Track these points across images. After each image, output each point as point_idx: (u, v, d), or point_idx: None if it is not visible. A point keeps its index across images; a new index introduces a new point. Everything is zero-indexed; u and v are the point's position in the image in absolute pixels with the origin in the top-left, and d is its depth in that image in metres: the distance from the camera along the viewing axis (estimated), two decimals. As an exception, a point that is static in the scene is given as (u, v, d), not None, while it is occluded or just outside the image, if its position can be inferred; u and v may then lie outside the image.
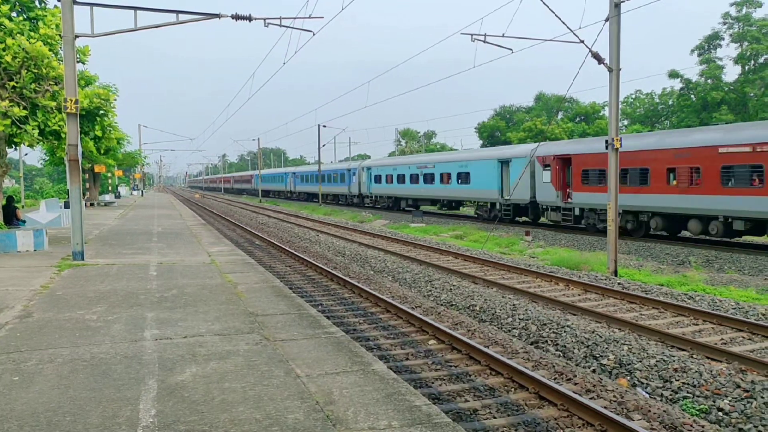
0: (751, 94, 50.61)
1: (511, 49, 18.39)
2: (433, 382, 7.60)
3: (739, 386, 7.32)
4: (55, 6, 17.58)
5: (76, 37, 13.31)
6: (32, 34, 15.84)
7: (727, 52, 65.20)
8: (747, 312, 11.04)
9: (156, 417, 4.57)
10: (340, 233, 27.31)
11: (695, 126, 45.44)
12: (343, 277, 14.56)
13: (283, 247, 21.24)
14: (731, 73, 62.47)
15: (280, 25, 15.77)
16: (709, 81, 52.74)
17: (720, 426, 6.56)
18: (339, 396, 5.03)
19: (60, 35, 14.41)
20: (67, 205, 22.05)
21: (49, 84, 15.52)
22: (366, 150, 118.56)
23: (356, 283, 13.72)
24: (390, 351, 8.94)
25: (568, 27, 15.07)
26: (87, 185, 41.83)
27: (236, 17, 14.73)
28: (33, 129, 15.62)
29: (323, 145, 59.48)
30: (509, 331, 10.52)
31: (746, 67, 50.90)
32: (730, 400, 7.03)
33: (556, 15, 14.95)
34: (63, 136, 15.77)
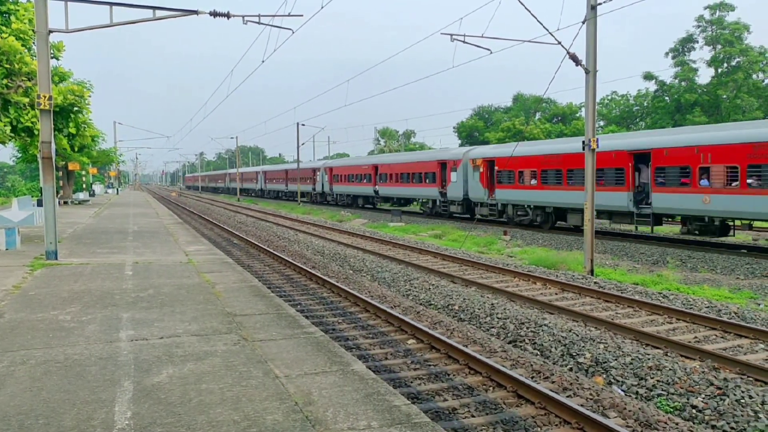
0: (724, 96, 51.64)
1: (489, 50, 18.52)
2: (412, 382, 7.61)
3: (712, 384, 7.46)
4: (29, 0, 17.26)
5: (50, 32, 13.05)
6: (4, 28, 15.54)
7: (701, 54, 66.46)
8: (720, 311, 11.25)
9: (132, 419, 4.50)
10: (319, 232, 27.22)
11: (669, 127, 46.20)
12: (322, 277, 14.51)
13: (262, 246, 21.11)
14: (704, 75, 63.66)
15: (259, 23, 15.67)
16: (683, 83, 53.71)
17: (693, 423, 6.67)
18: (318, 396, 5.01)
19: (33, 30, 14.14)
20: (40, 204, 21.64)
21: (22, 80, 15.23)
22: (345, 149, 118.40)
23: (335, 283, 13.68)
24: (369, 351, 8.93)
25: (546, 29, 15.20)
26: (61, 183, 41.09)
27: (214, 14, 14.58)
28: (5, 125, 15.31)
29: (302, 144, 59.29)
30: (488, 330, 10.58)
31: (719, 70, 51.90)
32: (703, 398, 7.15)
33: (534, 16, 15.08)
34: (36, 132, 15.48)
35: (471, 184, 30.99)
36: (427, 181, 35.62)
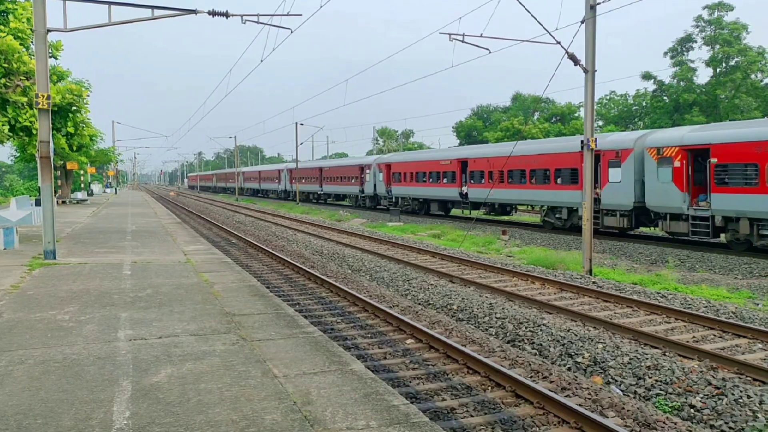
0: (722, 96, 51.71)
1: (488, 50, 18.52)
2: (410, 382, 7.61)
3: (710, 383, 7.46)
4: (27, -1, 17.22)
5: (49, 31, 13.03)
6: (2, 27, 15.51)
7: (700, 54, 66.68)
8: (718, 310, 11.26)
9: (130, 419, 4.50)
10: (317, 232, 27.21)
11: (668, 126, 46.22)
12: (321, 276, 14.50)
13: (260, 245, 21.10)
14: (703, 75, 63.82)
15: (258, 22, 15.65)
16: (681, 83, 53.79)
17: (692, 423, 6.68)
18: (317, 396, 5.01)
19: (31, 29, 14.12)
20: (38, 203, 21.58)
21: (20, 79, 15.22)
22: (344, 149, 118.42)
23: (334, 282, 13.68)
24: (368, 350, 8.93)
25: (545, 28, 15.20)
26: (59, 182, 41.05)
27: (213, 13, 14.56)
28: (3, 125, 15.29)
29: (300, 144, 59.29)
30: (486, 330, 10.58)
31: (717, 70, 51.98)
32: (701, 398, 7.16)
33: (533, 16, 15.08)
34: (34, 132, 15.46)
35: (652, 185, 21.31)
36: (559, 181, 25.70)
